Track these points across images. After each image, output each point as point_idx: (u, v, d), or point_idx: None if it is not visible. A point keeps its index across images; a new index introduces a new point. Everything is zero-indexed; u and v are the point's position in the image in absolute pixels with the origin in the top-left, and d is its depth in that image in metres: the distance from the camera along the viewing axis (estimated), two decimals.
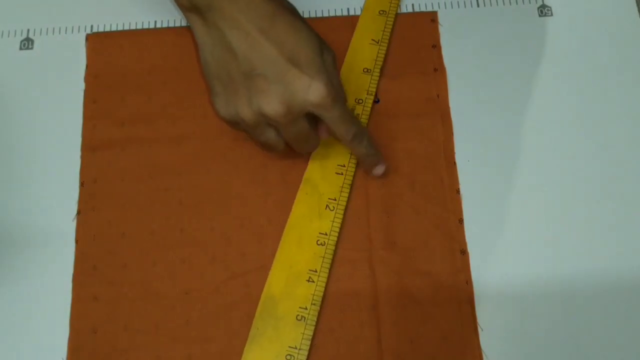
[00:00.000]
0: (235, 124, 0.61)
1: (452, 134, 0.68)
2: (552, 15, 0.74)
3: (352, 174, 0.65)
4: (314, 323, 0.60)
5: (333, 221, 0.63)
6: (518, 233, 0.64)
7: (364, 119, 0.67)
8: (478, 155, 0.67)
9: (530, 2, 0.74)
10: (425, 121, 0.68)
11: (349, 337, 0.61)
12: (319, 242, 0.63)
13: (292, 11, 0.59)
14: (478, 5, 0.74)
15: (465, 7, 0.74)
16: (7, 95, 0.70)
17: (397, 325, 0.62)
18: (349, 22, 0.72)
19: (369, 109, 0.68)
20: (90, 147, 0.68)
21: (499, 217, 0.65)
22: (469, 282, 0.63)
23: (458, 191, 0.66)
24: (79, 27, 0.73)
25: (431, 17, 0.73)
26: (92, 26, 0.72)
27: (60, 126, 0.68)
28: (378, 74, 0.69)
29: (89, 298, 0.62)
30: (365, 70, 0.69)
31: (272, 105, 0.56)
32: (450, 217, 0.65)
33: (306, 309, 0.60)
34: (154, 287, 0.63)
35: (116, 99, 0.70)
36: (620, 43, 0.72)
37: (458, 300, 0.62)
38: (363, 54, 0.70)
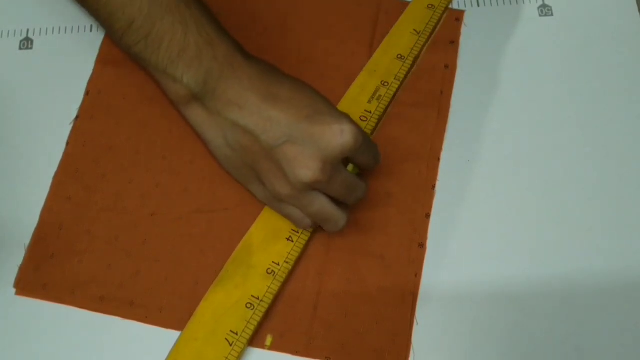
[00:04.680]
0: (282, 204, 0.64)
1: (444, 130, 0.74)
2: (552, 15, 0.79)
3: None
4: (282, 280, 0.66)
5: None
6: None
7: (385, 101, 0.73)
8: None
9: (530, 2, 0.80)
10: (422, 113, 0.74)
11: (290, 299, 0.67)
12: None
13: (282, 72, 0.64)
14: (478, 5, 0.80)
15: (465, 6, 0.80)
16: (7, 95, 0.76)
17: (336, 297, 0.67)
18: (401, 7, 0.79)
19: (392, 92, 0.74)
20: (104, 60, 0.76)
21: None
22: (418, 275, 0.67)
23: (434, 187, 0.71)
24: (78, 27, 0.79)
25: (456, 16, 0.79)
26: (91, 26, 0.79)
27: (60, 126, 0.74)
28: (410, 63, 0.75)
29: (63, 197, 0.70)
30: (399, 56, 0.76)
31: (308, 166, 0.58)
32: (419, 210, 0.70)
33: (278, 264, 0.66)
34: (124, 202, 0.70)
35: None
36: (620, 43, 0.77)
37: (402, 290, 0.67)
38: (401, 40, 0.77)
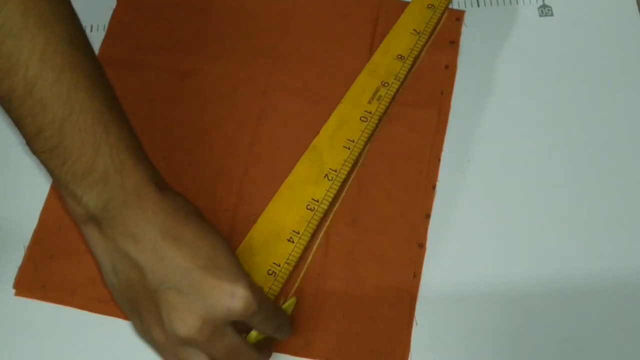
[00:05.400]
0: (158, 351, 0.58)
1: (445, 130, 0.74)
2: (552, 15, 0.80)
3: (359, 150, 0.71)
4: (283, 281, 0.65)
5: (328, 190, 0.69)
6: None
7: (385, 101, 0.74)
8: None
9: (530, 2, 0.80)
10: (422, 113, 0.75)
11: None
12: (308, 207, 0.69)
13: (197, 212, 0.57)
14: (478, 5, 0.81)
15: (465, 6, 0.81)
16: None
17: (334, 297, 0.67)
18: (401, 7, 0.80)
19: (392, 92, 0.74)
20: (103, 61, 0.72)
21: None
22: (417, 275, 0.68)
23: (434, 187, 0.72)
24: None
25: (456, 16, 0.80)
26: (91, 26, 0.79)
27: None
28: (410, 63, 0.76)
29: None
30: (399, 56, 0.76)
31: (186, 320, 0.53)
32: (418, 210, 0.71)
33: (279, 265, 0.66)
34: None
35: (141, 24, 0.79)
36: (620, 43, 0.78)
37: (401, 290, 0.67)
38: (401, 41, 0.77)
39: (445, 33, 0.79)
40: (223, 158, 0.73)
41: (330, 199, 0.70)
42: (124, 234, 0.54)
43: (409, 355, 0.65)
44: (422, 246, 0.69)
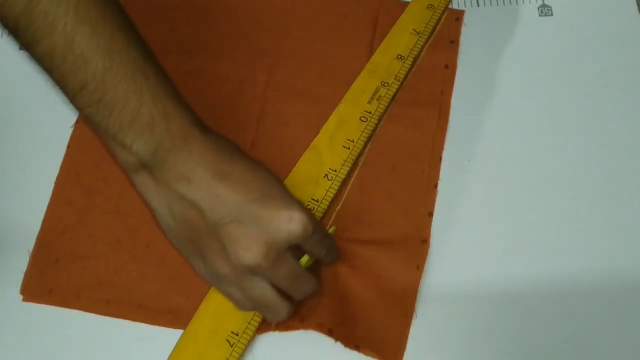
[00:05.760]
0: (222, 284, 0.61)
1: (446, 130, 0.74)
2: (552, 15, 0.80)
3: (359, 150, 0.72)
4: None
5: (328, 191, 0.70)
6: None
7: (385, 101, 0.74)
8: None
9: (530, 2, 0.81)
10: (423, 112, 0.75)
11: None
12: (308, 207, 0.69)
13: (241, 151, 0.60)
14: (478, 5, 0.81)
15: (465, 6, 0.81)
16: (8, 95, 0.76)
17: (337, 283, 0.67)
18: (401, 7, 0.80)
19: (392, 93, 0.75)
20: None
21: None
22: (420, 268, 0.68)
23: (436, 186, 0.72)
24: None
25: (456, 16, 0.80)
26: None
27: (61, 130, 0.74)
28: (410, 63, 0.76)
29: (65, 201, 0.71)
30: (399, 57, 0.77)
31: (251, 248, 0.56)
32: (421, 209, 0.71)
33: None
34: (125, 205, 0.70)
35: (141, 24, 0.78)
36: (620, 43, 0.78)
37: (403, 282, 0.68)
38: (401, 41, 0.77)
39: (445, 33, 0.79)
40: None
41: (330, 199, 0.70)
42: (177, 177, 0.57)
43: (406, 344, 0.66)
44: (425, 242, 0.70)
